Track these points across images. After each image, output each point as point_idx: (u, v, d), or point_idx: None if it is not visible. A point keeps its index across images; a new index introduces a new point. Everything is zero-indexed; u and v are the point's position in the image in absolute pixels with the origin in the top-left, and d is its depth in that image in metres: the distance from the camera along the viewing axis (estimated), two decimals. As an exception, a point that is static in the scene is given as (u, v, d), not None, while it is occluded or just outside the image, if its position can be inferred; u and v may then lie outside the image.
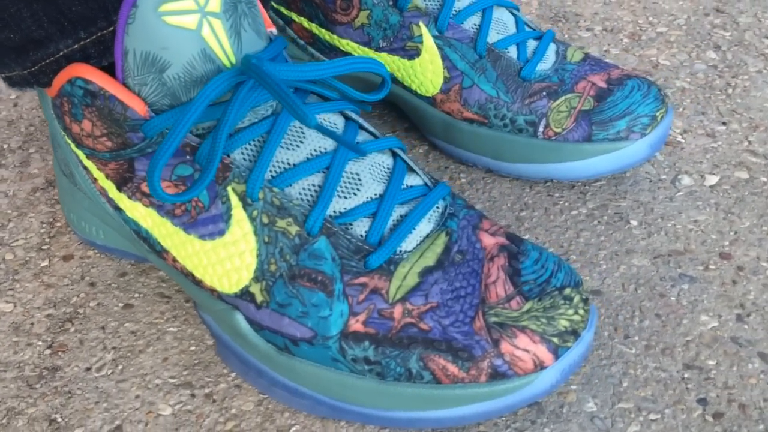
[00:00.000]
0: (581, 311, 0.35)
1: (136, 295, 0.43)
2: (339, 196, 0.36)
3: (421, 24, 0.50)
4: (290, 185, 0.36)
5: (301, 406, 0.36)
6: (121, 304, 0.43)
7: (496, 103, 0.49)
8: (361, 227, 0.35)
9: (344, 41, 0.52)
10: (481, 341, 0.33)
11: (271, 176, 0.36)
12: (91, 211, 0.43)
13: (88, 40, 0.36)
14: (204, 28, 0.34)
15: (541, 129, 0.48)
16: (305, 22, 0.53)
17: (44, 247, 0.47)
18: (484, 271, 0.35)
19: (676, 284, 0.44)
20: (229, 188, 0.36)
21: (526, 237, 0.47)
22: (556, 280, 0.35)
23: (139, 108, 0.35)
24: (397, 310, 0.34)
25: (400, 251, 0.35)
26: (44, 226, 0.48)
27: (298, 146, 0.36)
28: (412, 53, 0.51)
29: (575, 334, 0.34)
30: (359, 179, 0.36)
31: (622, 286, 0.44)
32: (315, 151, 0.36)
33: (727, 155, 0.54)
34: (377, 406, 0.35)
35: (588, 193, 0.51)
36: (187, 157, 0.36)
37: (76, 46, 0.36)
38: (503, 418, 0.37)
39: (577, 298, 0.35)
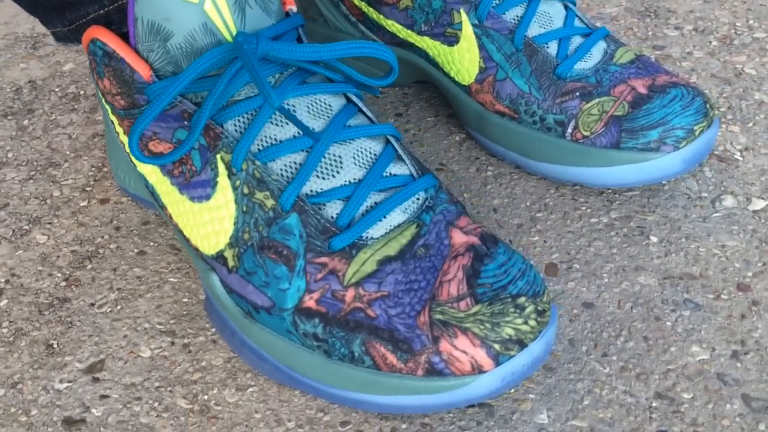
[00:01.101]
0: (532, 322, 0.34)
1: (152, 243, 0.47)
2: (317, 177, 0.37)
3: (462, 11, 0.49)
4: (273, 160, 0.37)
5: (263, 370, 0.38)
6: (136, 250, 0.46)
7: (528, 98, 0.48)
8: (333, 209, 0.37)
9: (390, 22, 0.53)
10: (422, 336, 0.34)
11: (257, 149, 0.37)
12: (124, 161, 0.47)
13: (111, 7, 0.39)
14: (206, 3, 0.36)
15: (569, 130, 0.47)
16: (356, 0, 0.54)
17: (87, 188, 0.51)
18: (443, 268, 0.35)
19: (677, 309, 0.42)
20: (218, 156, 0.38)
21: (535, 239, 0.46)
22: (514, 287, 0.35)
23: (144, 72, 0.37)
24: (349, 294, 0.35)
25: (366, 237, 0.36)
26: (93, 169, 0.52)
27: (286, 123, 0.38)
28: (452, 40, 0.50)
29: (521, 343, 0.34)
30: (341, 162, 0.37)
31: (618, 303, 0.42)
32: (304, 129, 0.38)
33: (785, 180, 0.50)
34: (325, 382, 0.36)
35: (615, 202, 0.49)
36: (185, 122, 0.38)
37: (101, 11, 0.39)
38: (450, 414, 0.37)
39: (530, 308, 0.34)
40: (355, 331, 0.35)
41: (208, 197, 0.38)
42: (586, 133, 0.47)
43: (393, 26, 0.53)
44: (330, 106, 0.39)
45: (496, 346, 0.33)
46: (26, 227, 0.48)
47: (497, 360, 0.34)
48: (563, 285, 0.43)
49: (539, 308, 0.35)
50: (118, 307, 0.43)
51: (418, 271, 0.35)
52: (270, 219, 0.37)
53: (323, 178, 0.37)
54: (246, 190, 0.37)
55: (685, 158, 0.46)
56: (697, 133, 0.46)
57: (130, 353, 0.40)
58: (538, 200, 0.49)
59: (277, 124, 0.38)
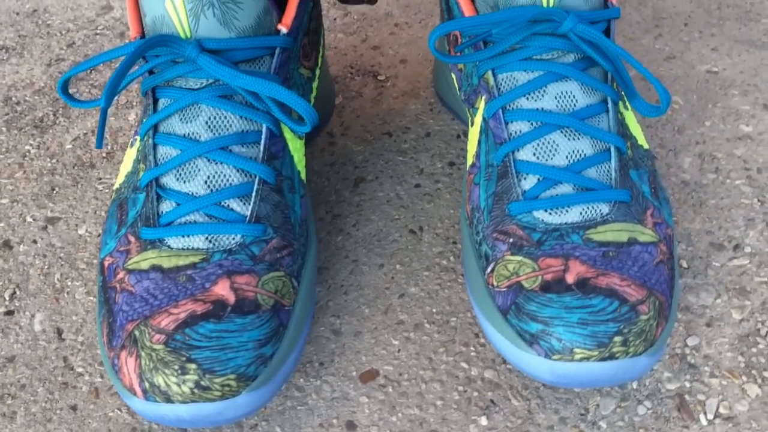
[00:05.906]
0: (185, 388, 0.37)
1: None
2: (175, 177, 0.42)
3: (482, 99, 0.46)
4: (162, 145, 0.43)
5: (109, 289, 0.47)
6: (161, 156, 0.57)
7: (479, 217, 0.44)
8: (167, 206, 0.42)
9: (453, 75, 0.51)
10: (119, 339, 0.39)
11: (162, 131, 0.44)
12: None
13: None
14: (167, 0, 0.42)
15: (488, 270, 0.43)
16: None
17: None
18: (180, 302, 0.39)
19: (408, 491, 0.39)
20: (144, 120, 0.45)
21: (395, 343, 0.45)
22: (199, 354, 0.37)
23: (133, 30, 0.46)
24: (120, 275, 0.41)
25: (165, 242, 0.41)
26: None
27: (187, 123, 0.43)
28: (472, 120, 0.47)
29: (167, 397, 0.37)
30: (195, 175, 0.42)
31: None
32: (193, 134, 0.43)
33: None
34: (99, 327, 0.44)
35: (507, 364, 0.44)
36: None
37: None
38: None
39: (192, 377, 0.37)
40: (104, 303, 0.41)
41: (132, 146, 0.46)
42: (494, 283, 0.42)
43: (454, 79, 0.51)
44: (229, 126, 0.43)
45: (146, 384, 0.37)
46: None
47: (146, 394, 0.38)
48: (358, 395, 0.43)
49: (202, 383, 0.37)
50: (79, 185, 0.55)
51: (165, 292, 0.40)
52: (135, 187, 0.44)
53: (176, 179, 0.42)
54: (139, 156, 0.44)
55: (555, 373, 0.39)
56: (576, 356, 0.38)
57: (36, 224, 0.52)
58: (448, 314, 0.46)
59: (181, 120, 0.43)
